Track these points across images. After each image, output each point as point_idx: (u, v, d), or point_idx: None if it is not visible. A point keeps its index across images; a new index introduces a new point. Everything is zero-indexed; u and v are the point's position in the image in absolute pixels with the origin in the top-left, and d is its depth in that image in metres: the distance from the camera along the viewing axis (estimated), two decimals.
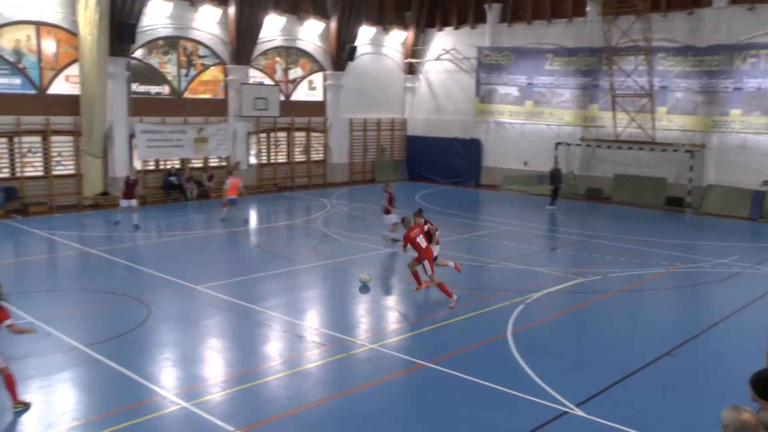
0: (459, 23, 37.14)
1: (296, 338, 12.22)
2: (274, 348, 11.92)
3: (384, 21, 37.29)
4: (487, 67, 35.07)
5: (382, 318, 13.80)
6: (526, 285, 15.96)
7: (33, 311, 13.25)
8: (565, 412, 9.30)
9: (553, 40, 33.48)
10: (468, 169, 36.57)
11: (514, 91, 34.50)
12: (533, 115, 33.97)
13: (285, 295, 15.28)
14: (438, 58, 37.90)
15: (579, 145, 32.37)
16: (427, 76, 38.98)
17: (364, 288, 15.60)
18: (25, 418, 9.06)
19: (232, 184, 23.86)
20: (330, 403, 9.65)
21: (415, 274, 15.34)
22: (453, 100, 37.76)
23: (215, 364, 11.15)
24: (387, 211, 20.84)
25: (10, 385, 9.19)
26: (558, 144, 32.73)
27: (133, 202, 22.35)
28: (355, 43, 34.99)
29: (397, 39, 38.21)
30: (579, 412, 9.31)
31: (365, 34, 36.11)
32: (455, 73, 37.59)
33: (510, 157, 35.35)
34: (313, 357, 11.35)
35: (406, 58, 38.82)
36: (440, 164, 37.33)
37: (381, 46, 37.79)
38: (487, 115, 35.74)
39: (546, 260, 19.21)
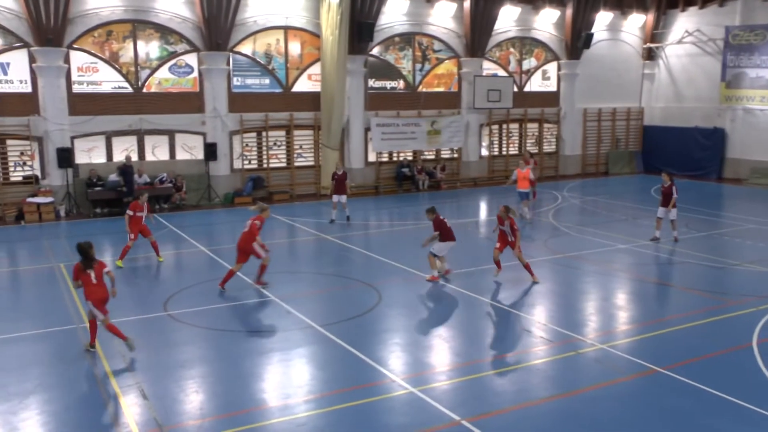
0: (705, 1, 34.35)
1: (524, 332, 12.03)
2: (501, 340, 11.84)
3: (623, 5, 35.49)
4: (736, 48, 32.11)
5: (613, 317, 13.15)
6: None
7: (275, 291, 14.36)
8: None
9: None
10: (709, 161, 33.79)
11: (767, 74, 31.31)
12: None
13: (512, 288, 15.08)
14: (680, 42, 35.37)
15: None
16: (667, 61, 36.52)
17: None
18: (266, 387, 9.79)
19: (519, 176, 22.59)
20: (557, 401, 9.37)
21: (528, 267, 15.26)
22: (694, 87, 35.07)
23: (442, 352, 11.29)
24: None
25: (92, 330, 11.22)
26: None
27: (343, 198, 22.45)
28: (592, 30, 33.71)
29: (636, 23, 36.18)
30: None
31: (602, 19, 34.64)
32: (698, 56, 34.85)
33: (759, 147, 32.12)
34: (540, 353, 11.10)
35: (644, 43, 36.67)
36: (679, 156, 34.78)
37: (618, 31, 36.03)
38: (733, 102, 32.77)
39: None
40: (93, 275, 10.97)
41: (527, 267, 15.21)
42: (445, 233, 15.34)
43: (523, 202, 22.54)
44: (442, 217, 15.56)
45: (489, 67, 32.63)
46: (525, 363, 10.64)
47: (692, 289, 14.57)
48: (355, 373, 10.28)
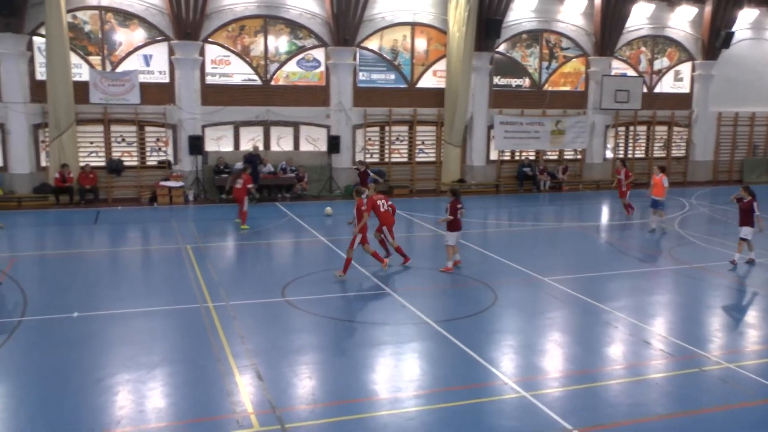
0: None
1: (642, 344, 11.57)
2: (618, 350, 11.43)
3: None
4: None
5: (742, 335, 12.41)
6: None
7: (390, 283, 14.52)
8: None
9: None
10: None
11: None
12: None
13: (633, 296, 14.56)
14: None
15: None
16: None
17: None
18: (377, 379, 9.90)
19: (656, 182, 20.92)
20: (675, 420, 8.95)
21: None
22: None
23: (556, 358, 11.04)
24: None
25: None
26: None
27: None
28: (732, 29, 31.94)
29: None
30: None
31: (745, 17, 32.69)
32: None
33: None
34: (660, 366, 10.64)
35: None
36: None
37: (763, 30, 33.94)
38: None
39: None
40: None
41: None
42: (453, 221, 15.62)
43: (653, 211, 21.33)
44: (459, 205, 15.70)
45: (618, 67, 31.61)
46: (642, 376, 10.23)
47: None
48: (466, 371, 10.22)
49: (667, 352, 11.19)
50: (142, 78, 24.84)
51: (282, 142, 27.03)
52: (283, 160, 26.12)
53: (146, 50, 25.11)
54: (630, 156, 32.32)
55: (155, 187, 24.83)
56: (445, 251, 16.03)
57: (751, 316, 13.61)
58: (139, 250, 18.85)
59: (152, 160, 25.82)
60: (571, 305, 13.63)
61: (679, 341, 11.65)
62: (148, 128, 25.52)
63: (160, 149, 25.76)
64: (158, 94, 25.13)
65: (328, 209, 22.90)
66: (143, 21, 24.75)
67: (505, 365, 10.53)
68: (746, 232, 16.90)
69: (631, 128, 32.31)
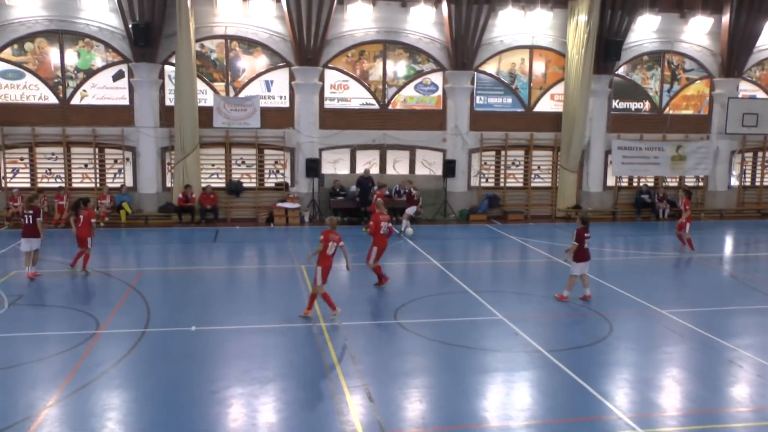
0: None
1: None
2: (742, 391, 10.84)
3: None
4: None
5: None
6: None
7: (503, 310, 14.39)
8: None
9: None
10: None
11: None
12: None
13: (761, 334, 13.79)
14: None
15: None
16: None
17: None
18: (488, 406, 9.83)
19: None
20: None
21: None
22: None
23: (674, 395, 10.61)
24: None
25: (328, 301, 13.27)
26: None
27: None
28: None
29: None
30: None
31: None
32: None
33: None
34: None
35: None
36: None
37: None
38: None
39: None
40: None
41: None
42: (580, 250, 15.10)
43: None
44: (587, 233, 15.21)
45: (746, 88, 30.16)
46: None
47: None
48: (579, 404, 10.00)
49: None
50: (263, 103, 25.86)
51: (398, 165, 27.37)
52: (397, 183, 26.42)
53: (268, 76, 26.14)
54: (758, 184, 30.69)
55: (272, 208, 25.68)
56: (568, 279, 15.70)
57: None
58: (254, 268, 19.55)
59: (270, 182, 26.74)
60: (690, 340, 13.07)
61: None
62: (267, 151, 26.49)
63: (278, 171, 26.65)
64: (278, 118, 26.07)
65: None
66: (266, 48, 25.81)
67: (620, 399, 10.22)
68: None
69: (760, 154, 30.69)
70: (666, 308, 14.89)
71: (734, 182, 30.48)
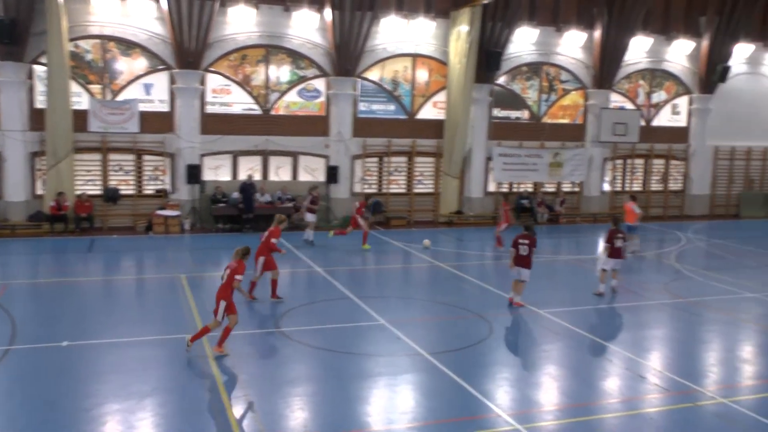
0: None
1: (638, 378, 11.56)
2: (613, 384, 11.42)
3: (765, 36, 33.77)
4: None
5: (738, 371, 12.39)
6: None
7: (386, 315, 14.51)
8: None
9: None
10: None
11: None
12: None
13: (629, 330, 14.63)
14: None
15: None
16: None
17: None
18: (371, 410, 9.88)
19: (626, 210, 22.81)
20: None
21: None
22: None
23: (551, 391, 11.03)
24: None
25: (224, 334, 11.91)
26: None
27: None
28: (729, 63, 32.28)
29: None
30: None
31: (741, 52, 33.03)
32: None
33: None
34: (655, 401, 10.64)
35: None
36: None
37: (759, 65, 34.26)
38: None
39: None
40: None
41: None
42: (516, 256, 15.76)
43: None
44: (521, 240, 15.82)
45: (616, 100, 31.86)
46: (637, 410, 10.22)
47: None
48: (461, 404, 10.21)
49: (663, 386, 11.19)
50: (142, 107, 25.01)
51: (280, 171, 27.14)
52: (279, 189, 26.19)
53: (147, 79, 25.32)
54: (627, 189, 32.44)
55: (151, 215, 24.88)
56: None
57: (746, 351, 13.59)
58: (132, 279, 18.84)
59: (149, 188, 25.90)
60: (566, 338, 13.63)
61: (674, 376, 11.65)
62: (146, 157, 25.64)
63: (157, 178, 25.87)
64: (158, 122, 25.30)
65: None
66: (145, 50, 24.99)
67: (500, 398, 10.52)
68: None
69: (629, 161, 32.48)
70: (543, 308, 15.46)
71: (607, 187, 32.09)
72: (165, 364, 11.58)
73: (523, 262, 15.69)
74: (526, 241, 15.84)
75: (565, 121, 31.11)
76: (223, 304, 11.90)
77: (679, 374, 11.72)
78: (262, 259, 15.57)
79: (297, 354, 12.25)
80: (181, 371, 11.22)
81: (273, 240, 15.81)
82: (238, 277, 12.00)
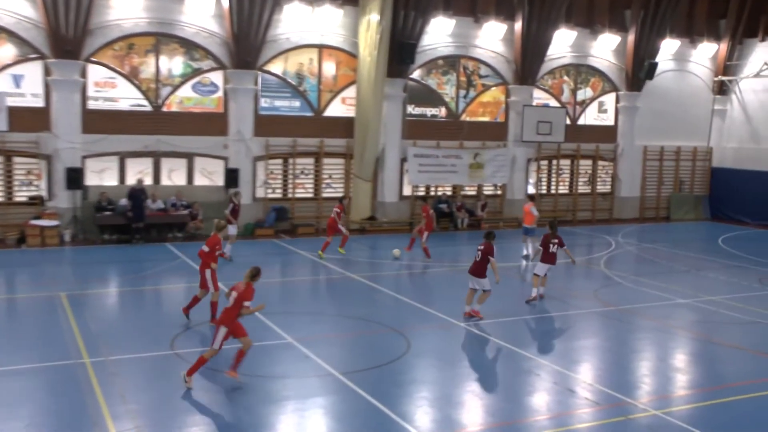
0: None
1: (567, 392, 11.85)
2: (541, 400, 11.67)
3: (692, 32, 35.38)
4: None
5: (670, 381, 12.90)
6: None
7: (293, 332, 14.40)
8: None
9: None
10: None
11: None
12: None
13: (557, 341, 15.00)
14: (758, 75, 35.08)
15: None
16: (742, 96, 36.27)
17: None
18: None
19: (525, 211, 23.98)
20: None
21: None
22: None
23: (475, 410, 11.17)
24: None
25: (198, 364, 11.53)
26: None
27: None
28: (656, 59, 33.64)
29: (706, 53, 35.98)
30: None
31: (668, 48, 34.52)
32: None
33: None
34: (585, 416, 10.92)
35: (716, 76, 36.46)
36: (753, 203, 34.29)
37: (686, 61, 35.88)
38: None
39: None
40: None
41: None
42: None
43: (524, 237, 24.06)
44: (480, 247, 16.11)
45: (540, 97, 32.69)
46: (567, 426, 10.47)
47: (764, 353, 14.28)
48: (376, 427, 10.21)
49: (593, 400, 11.50)
50: (11, 101, 24.00)
51: (174, 175, 26.58)
52: (173, 195, 25.67)
53: (17, 69, 24.33)
54: (554, 191, 33.29)
55: (24, 226, 23.93)
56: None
57: (679, 359, 14.16)
58: (2, 299, 18.05)
59: (22, 195, 24.91)
60: (489, 352, 13.86)
61: (605, 388, 12.00)
62: (17, 159, 24.64)
63: (31, 183, 24.90)
64: (30, 120, 24.34)
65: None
66: (14, 36, 24.00)
67: (420, 419, 10.58)
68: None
69: (555, 162, 33.36)
70: (465, 320, 15.64)
71: (531, 190, 32.83)
72: (42, 397, 11.13)
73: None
74: (481, 248, 16.10)
75: (486, 119, 31.69)
76: (222, 331, 11.56)
77: (610, 386, 12.08)
78: (208, 272, 14.97)
79: (195, 378, 11.97)
80: (60, 403, 10.80)
81: (207, 249, 15.10)
82: (246, 303, 11.64)
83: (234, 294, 11.74)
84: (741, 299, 18.68)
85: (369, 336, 14.70)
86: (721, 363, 14.17)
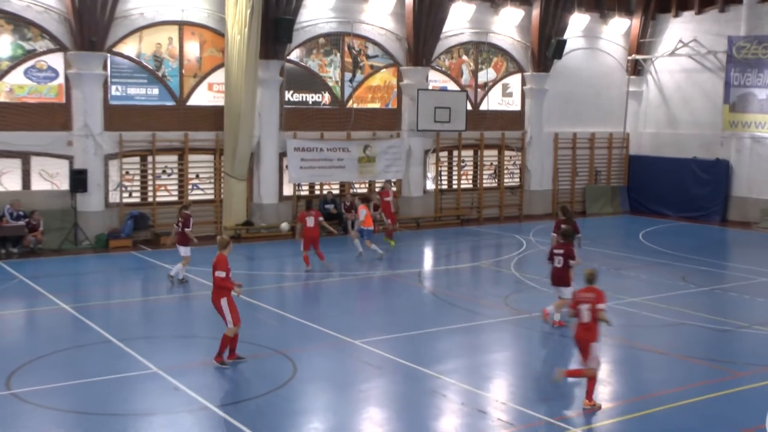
0: (702, 5, 35.74)
1: (477, 413, 12.02)
2: (449, 424, 11.79)
3: (602, 6, 36.64)
4: (742, 63, 33.51)
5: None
6: None
7: (159, 360, 14.09)
8: None
9: None
10: (710, 201, 35.01)
11: None
12: None
13: (465, 357, 15.17)
14: (673, 53, 36.69)
15: None
16: (658, 77, 37.84)
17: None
18: None
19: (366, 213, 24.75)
20: None
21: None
22: (691, 109, 36.37)
23: None
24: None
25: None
26: None
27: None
28: (564, 36, 34.65)
29: (619, 29, 37.37)
30: None
31: (577, 23, 35.64)
32: (695, 72, 36.27)
33: None
34: None
35: (629, 54, 37.89)
36: (672, 193, 35.91)
37: (597, 38, 37.16)
38: (739, 129, 34.10)
39: None
40: None
41: None
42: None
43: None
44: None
45: (436, 79, 33.12)
46: None
47: (690, 357, 14.88)
48: None
49: (506, 421, 11.71)
50: None
51: (6, 179, 25.67)
52: (7, 203, 24.75)
53: None
54: (455, 186, 33.78)
55: None
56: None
57: (601, 370, 14.54)
58: None
59: None
60: (389, 372, 13.91)
61: (519, 407, 12.24)
62: None
63: None
64: None
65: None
66: None
67: None
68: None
69: (456, 153, 33.86)
70: (358, 338, 15.68)
71: (430, 186, 33.22)
72: None
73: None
74: (560, 251, 16.45)
75: (376, 105, 31.89)
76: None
77: (525, 405, 12.32)
78: (224, 300, 14.13)
79: (37, 422, 11.59)
80: None
81: (219, 273, 14.12)
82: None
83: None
84: (664, 299, 19.44)
85: (249, 361, 14.53)
86: (645, 370, 14.68)
